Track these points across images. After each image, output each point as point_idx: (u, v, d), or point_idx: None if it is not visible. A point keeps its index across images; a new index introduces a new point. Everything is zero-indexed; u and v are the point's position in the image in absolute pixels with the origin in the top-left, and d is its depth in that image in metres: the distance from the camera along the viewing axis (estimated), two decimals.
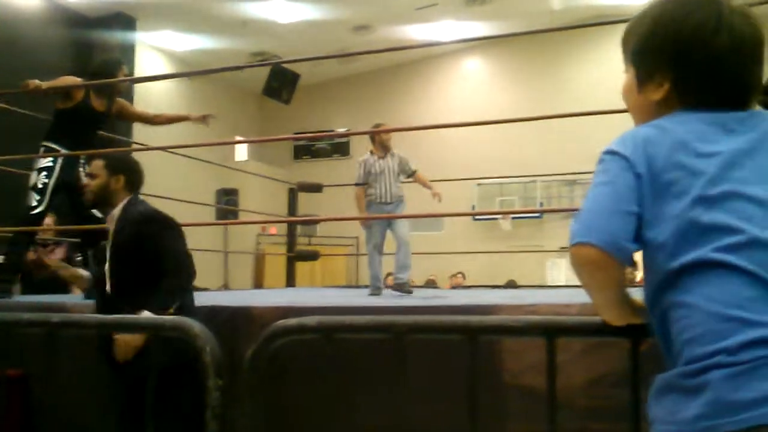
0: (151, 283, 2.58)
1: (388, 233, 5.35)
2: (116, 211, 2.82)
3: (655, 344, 1.06)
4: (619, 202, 0.99)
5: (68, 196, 4.33)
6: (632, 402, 1.25)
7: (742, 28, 1.03)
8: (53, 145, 4.28)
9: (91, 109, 4.38)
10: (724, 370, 0.86)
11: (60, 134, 4.31)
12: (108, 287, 2.74)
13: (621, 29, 1.17)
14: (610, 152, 1.05)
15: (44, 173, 4.19)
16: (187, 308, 2.72)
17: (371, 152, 5.53)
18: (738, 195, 0.95)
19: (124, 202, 2.83)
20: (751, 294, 0.89)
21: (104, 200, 2.87)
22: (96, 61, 5.04)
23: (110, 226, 2.84)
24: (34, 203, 4.15)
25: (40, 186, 4.17)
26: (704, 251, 0.93)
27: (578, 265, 1.02)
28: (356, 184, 5.52)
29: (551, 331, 1.32)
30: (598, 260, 0.98)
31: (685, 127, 1.02)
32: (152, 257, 2.65)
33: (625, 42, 1.16)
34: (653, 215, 0.99)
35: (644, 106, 1.12)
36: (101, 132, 4.67)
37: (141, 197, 2.95)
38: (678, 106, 1.07)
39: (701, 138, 1.00)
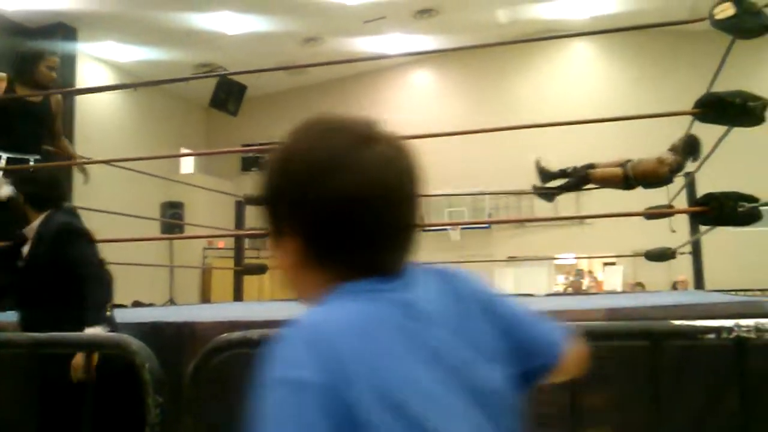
0: (65, 295, 2.53)
1: None
2: (34, 225, 2.73)
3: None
4: None
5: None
6: (571, 405, 1.27)
7: (387, 160, 0.81)
8: None
9: (23, 103, 4.10)
10: None
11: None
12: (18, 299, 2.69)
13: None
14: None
15: None
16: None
17: None
18: None
19: (41, 217, 2.74)
20: None
21: (22, 217, 2.78)
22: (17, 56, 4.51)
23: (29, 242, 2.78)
24: None
25: None
26: None
27: None
28: None
29: None
30: None
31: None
32: (66, 267, 2.59)
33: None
34: None
35: (294, 271, 0.83)
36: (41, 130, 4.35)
37: (66, 209, 2.87)
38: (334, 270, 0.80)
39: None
